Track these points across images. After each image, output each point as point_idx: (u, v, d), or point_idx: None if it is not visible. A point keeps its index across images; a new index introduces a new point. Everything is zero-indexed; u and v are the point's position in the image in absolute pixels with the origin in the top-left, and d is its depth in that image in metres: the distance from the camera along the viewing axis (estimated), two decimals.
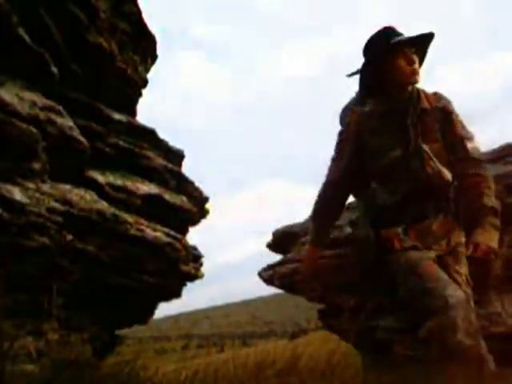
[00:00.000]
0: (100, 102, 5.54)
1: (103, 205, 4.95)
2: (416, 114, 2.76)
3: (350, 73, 3.03)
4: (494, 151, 7.09)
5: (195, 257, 6.84)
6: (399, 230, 2.79)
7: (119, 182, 5.45)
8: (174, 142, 6.82)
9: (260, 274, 8.61)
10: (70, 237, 4.47)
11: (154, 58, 6.69)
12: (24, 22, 4.19)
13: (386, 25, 2.82)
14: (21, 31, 4.14)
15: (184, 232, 6.81)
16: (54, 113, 4.36)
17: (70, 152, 4.68)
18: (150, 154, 6.10)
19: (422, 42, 2.76)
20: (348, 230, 7.30)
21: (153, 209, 5.80)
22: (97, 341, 5.44)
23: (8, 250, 4.04)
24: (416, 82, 2.76)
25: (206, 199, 7.38)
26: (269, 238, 9.04)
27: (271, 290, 9.10)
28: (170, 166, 6.44)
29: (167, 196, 6.11)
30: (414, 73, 2.71)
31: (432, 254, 2.78)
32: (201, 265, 7.08)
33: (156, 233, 5.58)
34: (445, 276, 2.75)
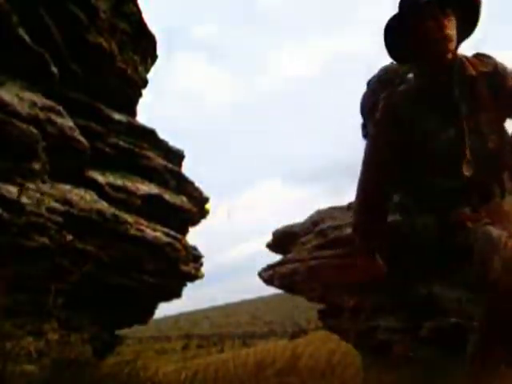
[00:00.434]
0: (100, 102, 5.54)
1: (103, 205, 4.95)
2: (463, 84, 2.37)
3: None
4: None
5: (195, 257, 6.84)
6: (468, 210, 2.50)
7: (119, 182, 5.45)
8: (173, 142, 6.84)
9: (260, 274, 8.62)
10: (70, 237, 4.47)
11: (153, 58, 6.69)
12: (24, 22, 4.19)
13: None
14: (21, 31, 4.14)
15: (184, 232, 6.81)
16: (54, 113, 4.36)
17: (70, 152, 4.68)
18: (150, 154, 6.10)
19: (461, 4, 2.32)
20: (348, 230, 7.31)
21: (153, 209, 5.80)
22: (97, 341, 5.44)
23: (8, 250, 4.04)
24: (449, 50, 2.33)
25: (205, 199, 7.39)
26: (269, 238, 9.08)
27: (271, 290, 9.10)
28: (169, 166, 6.44)
29: (167, 196, 6.11)
30: (446, 38, 2.30)
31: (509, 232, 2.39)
32: (201, 265, 7.09)
33: (156, 233, 5.59)
34: None
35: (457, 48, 2.41)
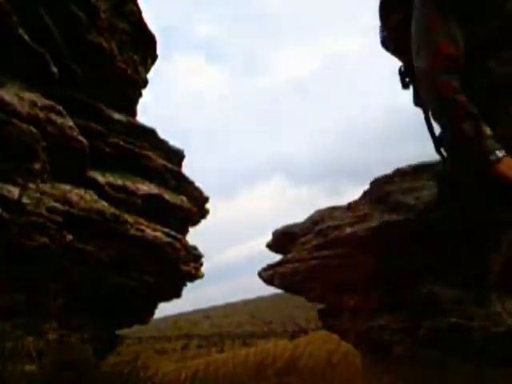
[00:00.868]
0: (100, 101, 5.54)
1: (103, 205, 4.95)
2: None
3: None
4: None
5: (195, 256, 6.84)
6: None
7: (119, 181, 5.45)
8: (172, 141, 6.84)
9: (260, 274, 8.61)
10: (70, 237, 4.47)
11: (154, 58, 6.69)
12: (24, 22, 4.19)
13: None
14: (21, 31, 4.14)
15: (184, 232, 6.81)
16: (54, 113, 4.36)
17: (70, 152, 4.68)
18: (150, 153, 6.10)
19: None
20: (348, 230, 7.31)
21: (153, 209, 5.80)
22: (97, 341, 5.44)
23: (8, 250, 4.04)
24: None
25: (205, 199, 7.39)
26: (269, 238, 9.07)
27: (271, 290, 9.10)
28: (170, 165, 6.44)
29: (167, 196, 6.11)
30: None
31: None
32: (201, 265, 7.08)
33: (156, 233, 5.59)
34: None
35: None
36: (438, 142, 2.27)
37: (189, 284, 6.97)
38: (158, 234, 5.62)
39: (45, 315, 4.68)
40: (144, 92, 6.56)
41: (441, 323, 6.56)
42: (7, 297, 4.26)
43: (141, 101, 6.55)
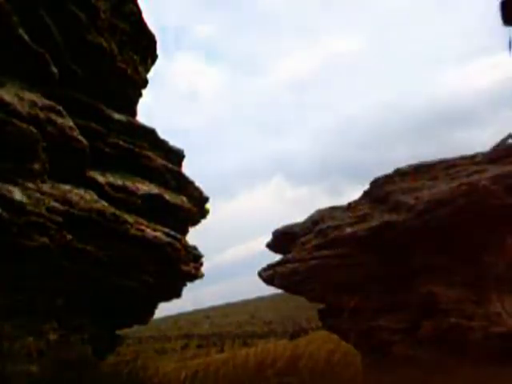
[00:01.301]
0: (100, 101, 5.54)
1: (103, 205, 4.95)
2: None
3: None
4: (494, 151, 7.11)
5: (195, 256, 6.83)
6: None
7: (119, 181, 5.44)
8: (172, 142, 6.81)
9: (260, 274, 8.62)
10: (69, 237, 4.47)
11: (154, 58, 6.68)
12: (24, 22, 4.19)
13: None
14: (21, 31, 4.14)
15: (184, 232, 6.80)
16: (54, 113, 4.36)
17: (70, 152, 4.68)
18: (150, 154, 6.09)
19: None
20: (348, 230, 7.32)
21: (153, 209, 5.80)
22: (97, 341, 5.44)
23: (8, 250, 4.04)
24: None
25: (206, 199, 7.38)
26: (269, 237, 9.07)
27: (271, 290, 9.10)
28: (170, 165, 6.43)
29: (167, 196, 6.10)
30: None
31: None
32: (201, 264, 7.07)
33: (156, 233, 5.58)
34: None
35: None
36: None
37: (189, 284, 6.96)
38: (158, 234, 5.61)
39: (45, 315, 4.68)
40: (144, 92, 6.56)
41: (441, 323, 6.57)
42: (7, 297, 4.26)
43: (141, 100, 6.54)
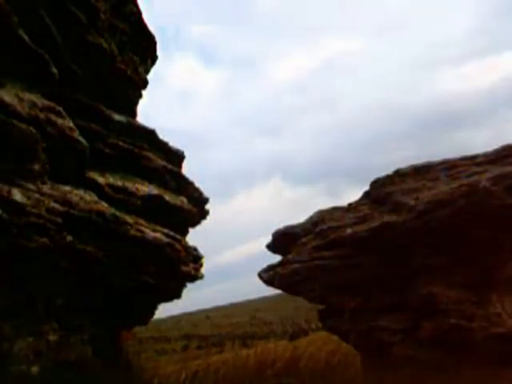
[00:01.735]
0: (100, 102, 5.54)
1: (103, 206, 4.95)
2: None
3: None
4: (495, 152, 7.09)
5: (195, 257, 6.83)
6: None
7: (119, 182, 5.44)
8: (171, 142, 6.81)
9: (260, 275, 8.60)
10: (69, 237, 4.46)
11: (154, 58, 6.68)
12: (24, 22, 4.19)
13: None
14: (21, 32, 4.14)
15: (184, 233, 6.80)
16: (54, 113, 4.36)
17: (70, 153, 4.68)
18: (150, 154, 6.09)
19: None
20: (348, 230, 7.31)
21: (153, 209, 5.79)
22: (97, 341, 5.44)
23: (8, 251, 4.04)
24: None
25: (206, 200, 7.37)
26: (269, 238, 9.06)
27: (271, 291, 9.09)
28: (169, 166, 6.43)
29: (167, 197, 6.10)
30: None
31: None
32: (201, 265, 7.07)
33: (156, 233, 5.57)
34: None
35: None
36: None
37: (189, 285, 6.96)
38: (158, 234, 5.61)
39: (45, 316, 4.68)
40: (144, 92, 6.56)
41: (441, 324, 6.56)
42: (7, 297, 4.26)
43: (140, 101, 6.54)
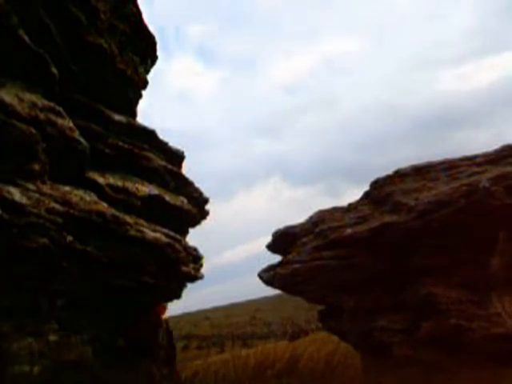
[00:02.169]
0: (100, 102, 5.54)
1: (103, 206, 4.95)
2: None
3: None
4: (495, 152, 7.10)
5: (195, 258, 6.83)
6: None
7: (119, 183, 5.44)
8: (171, 143, 6.80)
9: (260, 275, 8.60)
10: (70, 238, 4.46)
11: (153, 59, 6.68)
12: (24, 22, 4.19)
13: None
14: (21, 32, 4.14)
15: (184, 233, 6.79)
16: (54, 114, 4.36)
17: (69, 153, 4.68)
18: (150, 154, 6.09)
19: None
20: (348, 230, 7.31)
21: (153, 210, 5.79)
22: (97, 341, 5.43)
23: (8, 251, 4.04)
24: None
25: (205, 200, 7.37)
26: (269, 238, 9.06)
27: (271, 291, 9.09)
28: (169, 166, 6.43)
29: (167, 197, 6.10)
30: None
31: None
32: (201, 266, 7.07)
33: (156, 234, 5.57)
34: None
35: None
36: None
37: (189, 285, 6.96)
38: (158, 234, 5.61)
39: (45, 316, 4.68)
40: (144, 93, 6.56)
41: (441, 324, 6.56)
42: (7, 297, 4.26)
43: (140, 101, 6.54)
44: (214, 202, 7.90)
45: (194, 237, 7.16)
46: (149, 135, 6.21)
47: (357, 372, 6.33)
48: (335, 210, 8.44)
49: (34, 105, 4.14)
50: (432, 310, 6.62)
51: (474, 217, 6.20)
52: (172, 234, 5.96)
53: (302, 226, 8.56)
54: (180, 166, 6.90)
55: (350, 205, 8.34)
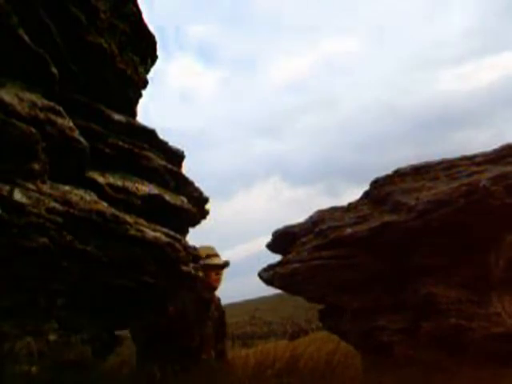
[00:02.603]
0: (100, 102, 5.53)
1: (103, 205, 4.94)
2: None
3: None
4: (494, 151, 7.11)
5: (195, 257, 6.83)
6: None
7: (119, 182, 5.44)
8: (172, 142, 6.80)
9: (260, 275, 8.61)
10: (70, 237, 4.46)
11: (154, 58, 6.68)
12: (24, 22, 4.19)
13: None
14: (21, 32, 4.14)
15: (184, 232, 6.79)
16: (54, 113, 4.36)
17: (69, 152, 4.68)
18: (150, 154, 6.09)
19: None
20: (348, 230, 7.32)
21: (153, 209, 5.79)
22: (97, 341, 5.44)
23: (8, 251, 4.04)
24: None
25: (206, 199, 7.37)
26: (269, 238, 9.07)
27: (271, 291, 9.10)
28: (169, 166, 6.43)
29: (167, 196, 6.10)
30: None
31: None
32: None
33: (156, 233, 5.57)
34: None
35: None
36: None
37: None
38: (158, 234, 5.61)
39: (45, 316, 4.68)
40: (144, 92, 6.56)
41: (441, 324, 6.57)
42: (7, 297, 4.25)
43: (140, 101, 6.54)
44: (214, 201, 7.90)
45: (195, 236, 7.16)
46: (149, 135, 6.21)
47: (357, 371, 6.33)
48: (335, 209, 8.44)
49: (33, 104, 4.14)
50: (432, 310, 6.63)
51: (473, 216, 6.20)
52: (172, 233, 5.96)
53: (301, 225, 8.57)
54: (180, 166, 6.90)
55: (349, 204, 8.35)
